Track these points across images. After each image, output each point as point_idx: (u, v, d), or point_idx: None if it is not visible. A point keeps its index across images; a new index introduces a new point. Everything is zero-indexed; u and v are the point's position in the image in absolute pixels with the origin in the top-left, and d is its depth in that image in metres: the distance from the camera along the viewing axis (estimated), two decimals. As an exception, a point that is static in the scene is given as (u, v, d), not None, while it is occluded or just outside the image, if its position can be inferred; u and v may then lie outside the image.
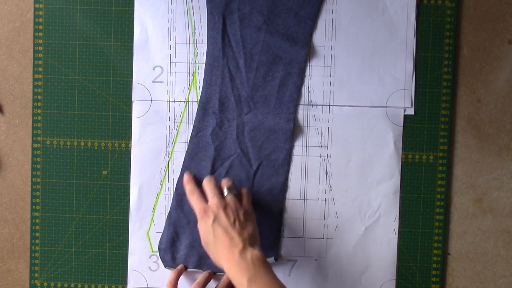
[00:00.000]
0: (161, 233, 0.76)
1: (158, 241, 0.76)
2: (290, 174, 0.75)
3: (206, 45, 0.75)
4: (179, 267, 0.75)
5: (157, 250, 0.76)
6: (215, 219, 0.66)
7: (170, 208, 0.75)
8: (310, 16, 0.74)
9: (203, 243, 0.67)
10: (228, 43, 0.74)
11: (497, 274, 0.76)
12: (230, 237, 0.64)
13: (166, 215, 0.76)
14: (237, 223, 0.65)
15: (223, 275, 0.74)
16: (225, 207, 0.66)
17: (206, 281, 0.73)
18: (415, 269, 0.75)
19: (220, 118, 0.74)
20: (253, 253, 0.63)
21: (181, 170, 0.75)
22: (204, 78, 0.75)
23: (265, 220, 0.74)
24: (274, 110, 0.74)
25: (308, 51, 0.74)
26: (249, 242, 0.64)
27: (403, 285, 0.75)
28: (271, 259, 0.74)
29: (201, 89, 0.75)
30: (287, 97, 0.74)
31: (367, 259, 0.75)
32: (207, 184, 0.70)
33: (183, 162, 0.75)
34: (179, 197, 0.75)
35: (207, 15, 0.74)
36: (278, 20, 0.74)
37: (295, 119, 0.74)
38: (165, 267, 0.75)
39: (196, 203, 0.69)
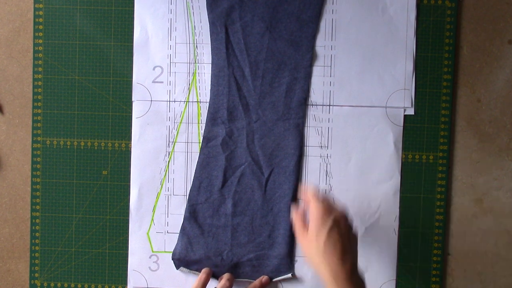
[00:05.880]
0: (161, 233, 0.76)
1: (172, 252, 0.76)
2: (301, 179, 0.75)
3: (206, 45, 0.75)
4: (205, 273, 0.73)
5: (158, 251, 0.76)
6: (335, 225, 0.63)
7: (183, 218, 0.76)
8: (312, 19, 0.74)
9: (306, 243, 0.64)
10: (232, 53, 0.74)
11: (497, 274, 0.76)
12: (345, 249, 0.62)
13: (166, 215, 0.76)
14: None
15: (244, 281, 0.75)
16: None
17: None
18: (415, 269, 0.75)
19: (230, 128, 0.74)
20: (358, 279, 0.62)
21: (193, 180, 0.75)
22: (211, 89, 0.75)
23: (279, 229, 0.74)
24: (283, 116, 0.74)
25: (312, 54, 0.74)
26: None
27: (403, 285, 0.75)
28: (287, 275, 0.74)
29: (201, 90, 0.75)
30: (295, 102, 0.74)
31: (367, 259, 0.75)
32: None
33: (195, 172, 0.75)
34: (192, 207, 0.75)
35: (209, 26, 0.74)
36: (281, 26, 0.74)
37: (304, 125, 0.75)
38: (177, 268, 0.76)
39: None
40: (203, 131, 0.75)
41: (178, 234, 0.76)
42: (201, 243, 0.75)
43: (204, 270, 0.74)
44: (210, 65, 0.75)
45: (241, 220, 0.75)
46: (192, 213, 0.75)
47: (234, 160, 0.75)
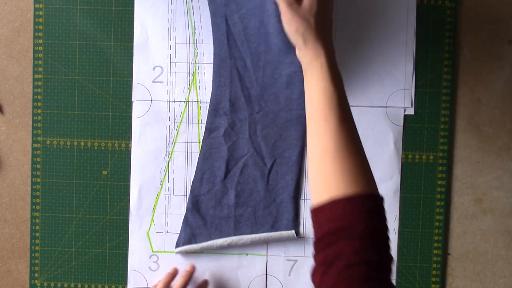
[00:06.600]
0: (161, 233, 0.76)
1: (175, 242, 0.76)
2: (303, 171, 0.75)
3: (206, 45, 0.75)
4: (172, 270, 0.75)
5: (158, 251, 0.76)
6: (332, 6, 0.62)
7: (186, 210, 0.76)
8: None
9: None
10: (234, 44, 0.73)
11: (497, 274, 0.76)
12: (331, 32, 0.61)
13: (166, 215, 0.76)
14: None
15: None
16: None
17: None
18: (415, 269, 0.75)
19: (232, 119, 0.74)
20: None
21: (196, 172, 0.75)
22: (213, 80, 0.75)
23: (282, 219, 0.75)
24: (285, 107, 0.74)
25: None
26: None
27: (403, 285, 0.75)
28: (290, 232, 0.74)
29: (201, 90, 0.75)
30: (296, 94, 0.73)
31: (367, 259, 0.75)
32: None
33: (197, 163, 0.75)
34: (195, 199, 0.75)
35: (211, 17, 0.74)
36: (273, 20, 0.69)
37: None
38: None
39: None
40: (204, 124, 0.75)
41: (180, 226, 0.76)
42: (204, 234, 0.75)
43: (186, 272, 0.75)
44: (211, 63, 0.75)
45: (244, 211, 0.75)
46: (195, 204, 0.75)
47: (236, 151, 0.75)
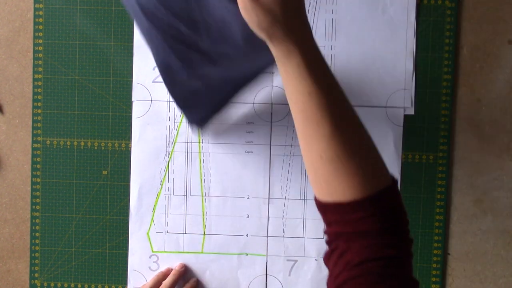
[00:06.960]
0: (161, 233, 0.76)
1: (189, 123, 0.72)
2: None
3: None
4: (165, 270, 0.75)
5: (158, 251, 0.76)
6: None
7: (174, 100, 0.66)
8: None
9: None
10: (153, 16, 0.57)
11: (497, 274, 0.76)
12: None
13: (166, 215, 0.76)
14: None
15: None
16: None
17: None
18: (415, 269, 0.75)
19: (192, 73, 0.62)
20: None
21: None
22: (150, 50, 0.61)
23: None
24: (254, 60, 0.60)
25: None
26: None
27: (403, 285, 0.75)
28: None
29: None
30: (259, 47, 0.54)
31: (367, 259, 0.75)
32: None
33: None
34: (174, 85, 0.64)
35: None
36: None
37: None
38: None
39: None
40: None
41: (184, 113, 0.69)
42: (205, 101, 0.68)
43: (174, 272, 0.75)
44: None
45: (225, 71, 0.64)
46: (180, 98, 0.65)
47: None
